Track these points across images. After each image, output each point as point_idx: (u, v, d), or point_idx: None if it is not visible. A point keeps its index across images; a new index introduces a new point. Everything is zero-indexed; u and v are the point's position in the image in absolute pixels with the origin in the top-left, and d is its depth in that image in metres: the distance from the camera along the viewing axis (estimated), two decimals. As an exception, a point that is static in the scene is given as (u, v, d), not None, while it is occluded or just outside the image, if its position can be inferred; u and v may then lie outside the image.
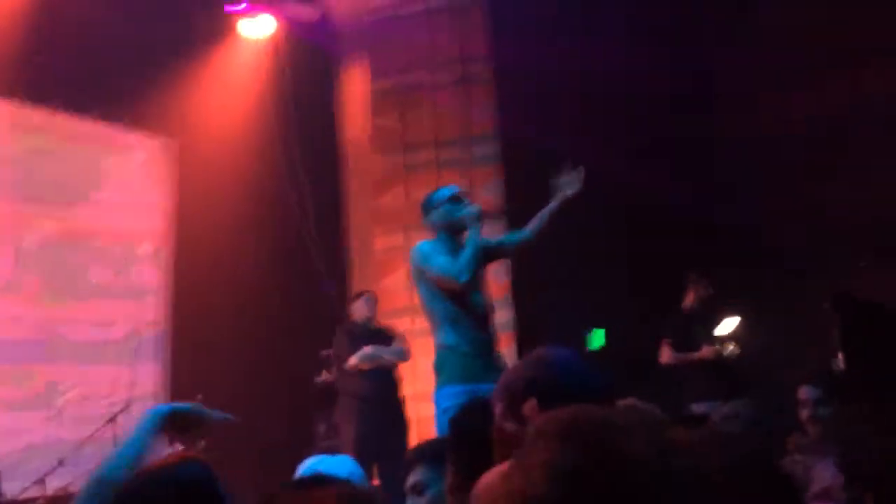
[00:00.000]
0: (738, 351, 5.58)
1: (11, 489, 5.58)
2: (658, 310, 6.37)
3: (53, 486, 5.65)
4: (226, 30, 7.52)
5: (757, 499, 1.23)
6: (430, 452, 2.28)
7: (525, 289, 6.99)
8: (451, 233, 3.90)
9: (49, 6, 6.30)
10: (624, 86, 7.45)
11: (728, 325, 5.83)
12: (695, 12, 7.55)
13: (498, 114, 7.35)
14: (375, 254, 7.45)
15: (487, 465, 1.60)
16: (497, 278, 6.07)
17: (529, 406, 1.67)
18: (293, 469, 2.64)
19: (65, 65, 6.52)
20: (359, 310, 5.88)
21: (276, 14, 7.57)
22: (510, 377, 1.80)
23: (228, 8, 7.38)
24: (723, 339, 5.63)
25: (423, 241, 3.95)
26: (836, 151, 7.37)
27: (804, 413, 2.78)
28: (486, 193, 6.92)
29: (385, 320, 6.26)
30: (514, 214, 5.89)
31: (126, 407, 6.31)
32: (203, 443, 6.00)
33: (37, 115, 6.72)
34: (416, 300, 4.01)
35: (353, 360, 5.52)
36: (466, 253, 3.74)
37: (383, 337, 5.79)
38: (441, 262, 3.76)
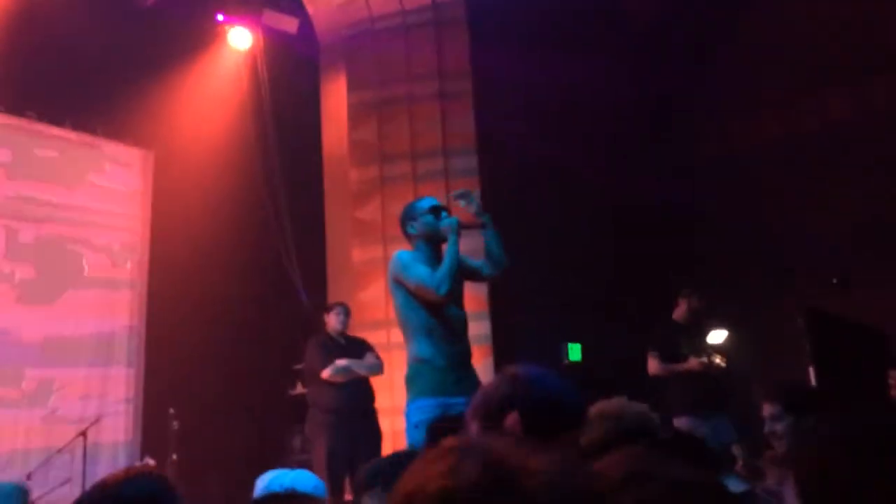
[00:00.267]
0: (724, 364, 5.56)
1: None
2: (636, 325, 6.36)
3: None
4: (206, 42, 7.52)
5: None
6: (384, 478, 2.16)
7: (503, 302, 6.99)
8: (430, 244, 3.86)
9: (25, 15, 6.25)
10: (602, 100, 7.53)
11: (716, 338, 5.81)
12: (674, 22, 7.66)
13: (476, 126, 7.37)
14: (353, 266, 7.42)
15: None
16: (475, 291, 6.05)
17: (512, 418, 1.67)
18: (266, 482, 2.62)
19: (43, 75, 6.48)
20: (331, 322, 5.79)
21: (256, 26, 7.56)
22: (486, 394, 1.78)
23: (208, 20, 7.37)
24: (709, 352, 5.61)
25: (402, 251, 3.91)
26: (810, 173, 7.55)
27: (766, 428, 2.81)
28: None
29: (362, 332, 6.19)
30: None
31: (96, 421, 6.25)
32: (175, 456, 5.93)
33: (13, 124, 6.66)
34: (393, 313, 3.97)
35: (325, 373, 5.44)
36: (445, 265, 3.70)
37: (356, 349, 5.69)
38: (421, 273, 3.72)
